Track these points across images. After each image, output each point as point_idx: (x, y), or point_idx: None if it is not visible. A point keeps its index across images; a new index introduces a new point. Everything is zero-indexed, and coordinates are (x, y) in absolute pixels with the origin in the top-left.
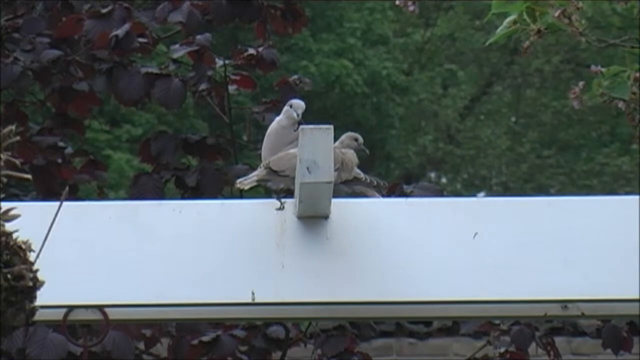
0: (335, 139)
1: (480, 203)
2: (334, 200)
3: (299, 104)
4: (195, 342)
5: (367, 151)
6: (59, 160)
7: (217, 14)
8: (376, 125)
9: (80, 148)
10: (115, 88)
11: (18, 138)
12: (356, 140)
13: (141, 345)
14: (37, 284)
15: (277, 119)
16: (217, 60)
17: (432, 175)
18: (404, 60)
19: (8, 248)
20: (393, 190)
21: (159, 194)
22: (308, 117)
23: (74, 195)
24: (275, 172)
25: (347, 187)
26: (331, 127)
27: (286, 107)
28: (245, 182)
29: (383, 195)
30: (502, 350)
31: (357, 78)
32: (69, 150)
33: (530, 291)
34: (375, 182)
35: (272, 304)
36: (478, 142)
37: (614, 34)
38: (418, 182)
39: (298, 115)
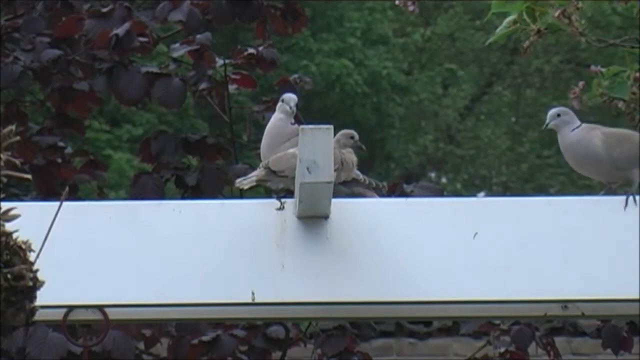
0: None
1: (480, 203)
2: (334, 200)
3: (290, 97)
4: (195, 342)
5: (364, 147)
6: (59, 160)
7: (217, 14)
8: (376, 125)
9: (81, 148)
10: (116, 88)
11: (18, 138)
12: (352, 137)
13: (141, 345)
14: (37, 284)
15: (273, 116)
16: (217, 59)
17: (432, 175)
18: (404, 60)
19: (8, 248)
20: (393, 190)
21: (159, 194)
22: (308, 117)
23: (74, 195)
24: (274, 172)
25: (346, 188)
26: (331, 127)
27: (279, 103)
28: (244, 182)
29: (383, 196)
30: (502, 350)
31: (357, 78)
32: (69, 150)
33: (530, 291)
34: (374, 184)
35: (272, 304)
36: (478, 142)
37: (614, 34)
38: (418, 182)
39: (291, 107)
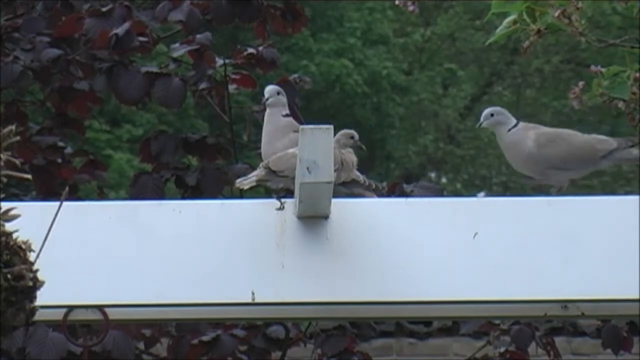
0: None
1: (480, 203)
2: (334, 200)
3: (266, 89)
4: (195, 342)
5: (364, 147)
6: (59, 160)
7: (217, 14)
8: (376, 125)
9: (81, 148)
10: (116, 87)
11: (18, 138)
12: (352, 137)
13: (141, 345)
14: (37, 284)
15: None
16: (217, 59)
17: (432, 175)
18: (404, 60)
19: (8, 248)
20: (393, 190)
21: (159, 194)
22: (308, 117)
23: (74, 195)
24: (274, 172)
25: (345, 189)
26: (331, 127)
27: None
28: (244, 182)
29: (382, 197)
30: (502, 350)
31: (357, 78)
32: (68, 150)
33: (530, 291)
34: (373, 185)
35: (272, 304)
36: (478, 142)
37: (614, 34)
38: (418, 182)
39: (265, 98)
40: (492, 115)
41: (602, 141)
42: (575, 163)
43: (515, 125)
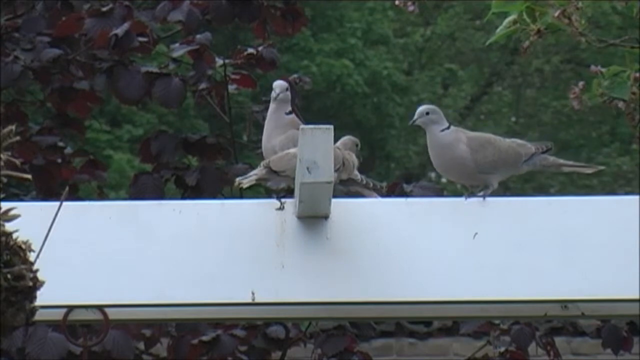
0: (336, 140)
1: (480, 203)
2: (334, 200)
3: (276, 84)
4: (195, 342)
5: (361, 158)
6: (59, 160)
7: (217, 14)
8: (376, 125)
9: (81, 148)
10: (116, 87)
11: (18, 138)
12: (357, 145)
13: (141, 345)
14: (37, 284)
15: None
16: (217, 59)
17: (432, 175)
18: (404, 60)
19: (8, 248)
20: (393, 190)
21: (159, 193)
22: (308, 117)
23: (74, 195)
24: (275, 172)
25: (343, 187)
26: (331, 127)
27: (272, 93)
28: (244, 181)
29: (382, 196)
30: (502, 350)
31: (357, 78)
32: (68, 150)
33: (530, 291)
34: (371, 184)
35: (272, 304)
36: None
37: (614, 34)
38: (418, 182)
39: (276, 93)
40: (427, 113)
41: (522, 145)
42: (503, 167)
43: (448, 128)
